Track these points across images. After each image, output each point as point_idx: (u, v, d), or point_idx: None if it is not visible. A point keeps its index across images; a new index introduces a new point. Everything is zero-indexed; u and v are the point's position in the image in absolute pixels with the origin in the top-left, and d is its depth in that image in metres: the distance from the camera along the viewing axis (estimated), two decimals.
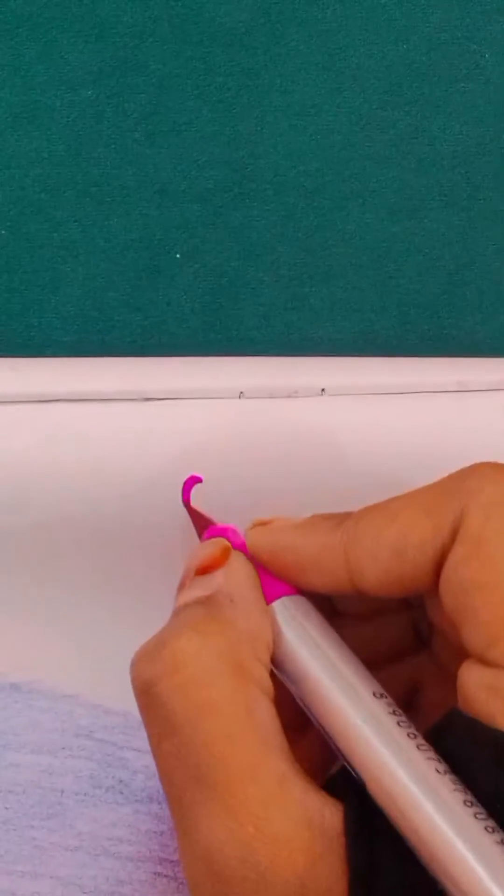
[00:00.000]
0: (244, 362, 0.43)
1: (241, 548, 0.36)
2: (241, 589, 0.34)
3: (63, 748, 0.40)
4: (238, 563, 0.35)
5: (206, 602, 0.33)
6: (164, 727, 0.30)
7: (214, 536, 0.37)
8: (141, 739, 0.40)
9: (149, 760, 0.40)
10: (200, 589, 0.34)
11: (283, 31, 0.44)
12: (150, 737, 0.31)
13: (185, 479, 0.38)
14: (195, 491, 0.38)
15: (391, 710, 0.32)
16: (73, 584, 0.39)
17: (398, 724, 0.31)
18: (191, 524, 0.38)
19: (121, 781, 0.40)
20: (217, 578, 0.34)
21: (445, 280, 0.46)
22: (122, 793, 0.40)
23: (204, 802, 0.29)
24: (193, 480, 0.39)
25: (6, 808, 0.40)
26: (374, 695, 0.32)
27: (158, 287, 0.44)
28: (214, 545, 0.35)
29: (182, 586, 0.35)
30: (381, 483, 0.40)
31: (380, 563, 0.32)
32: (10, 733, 0.40)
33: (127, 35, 0.43)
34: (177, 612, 0.33)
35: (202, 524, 0.38)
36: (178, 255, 0.44)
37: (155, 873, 0.40)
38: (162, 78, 0.44)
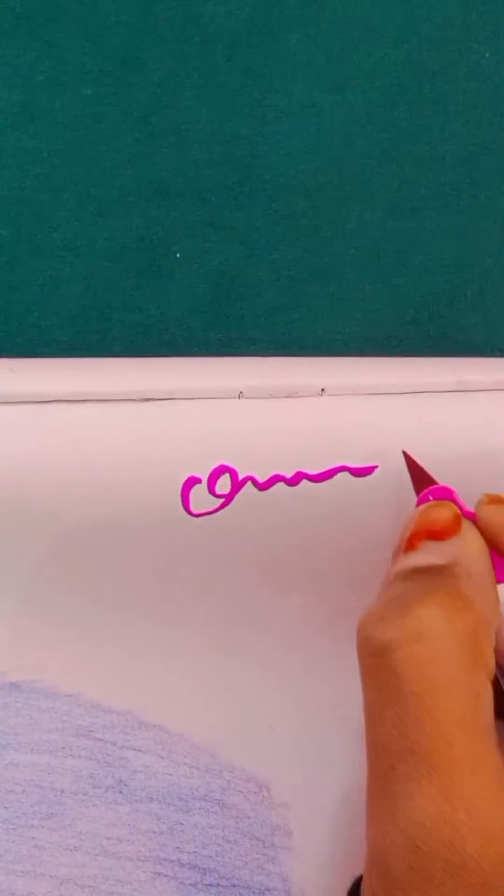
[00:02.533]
0: (243, 362, 0.43)
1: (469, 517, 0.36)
2: (477, 565, 0.34)
3: (62, 748, 0.40)
4: (472, 536, 0.35)
5: (446, 573, 0.33)
6: (392, 695, 0.30)
7: (436, 497, 0.37)
8: (141, 739, 0.40)
9: (148, 760, 0.40)
10: (434, 555, 0.34)
11: (283, 31, 0.44)
12: (371, 702, 0.31)
13: (184, 479, 0.39)
14: None
15: None
16: (73, 583, 0.39)
17: None
18: (192, 526, 0.38)
19: (120, 781, 0.40)
20: (452, 547, 0.34)
21: (445, 280, 0.46)
22: (121, 792, 0.40)
23: (419, 779, 0.29)
24: (193, 481, 0.39)
25: (5, 808, 0.40)
26: None
27: (158, 287, 0.44)
28: (446, 509, 0.35)
29: (409, 545, 0.34)
30: (381, 483, 0.40)
31: None
32: (9, 733, 0.40)
33: (127, 35, 0.43)
34: (409, 575, 0.33)
35: (421, 479, 0.38)
36: (178, 255, 0.44)
37: (154, 873, 0.40)
38: (162, 78, 0.44)
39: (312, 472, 0.40)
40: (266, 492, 0.39)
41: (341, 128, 0.45)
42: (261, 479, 0.39)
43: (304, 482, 0.40)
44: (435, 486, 0.37)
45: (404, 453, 0.39)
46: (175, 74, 0.44)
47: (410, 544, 0.34)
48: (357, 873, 0.42)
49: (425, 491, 0.37)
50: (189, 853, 0.41)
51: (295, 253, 0.45)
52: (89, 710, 0.40)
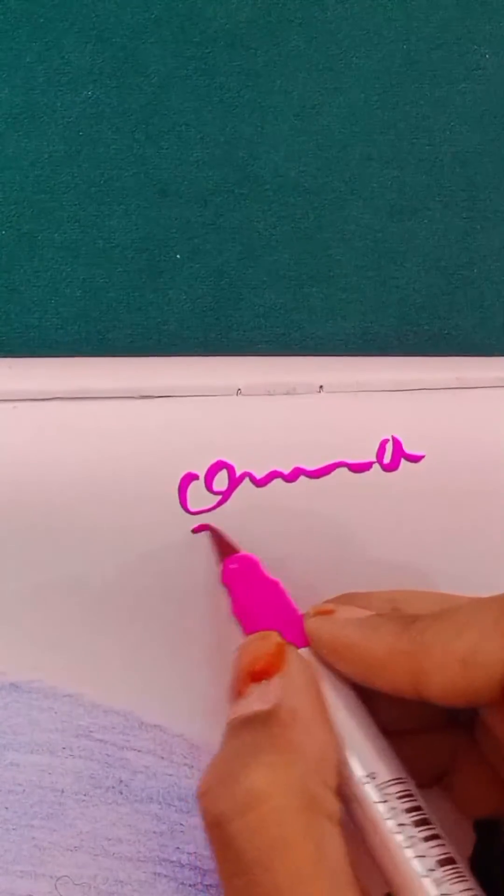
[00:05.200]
0: (242, 360, 0.43)
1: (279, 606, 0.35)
2: (302, 702, 0.33)
3: (63, 748, 0.40)
4: (296, 669, 0.34)
5: (269, 721, 0.32)
6: (234, 865, 0.30)
7: (241, 566, 0.37)
8: (141, 740, 0.40)
9: (149, 760, 0.40)
10: (258, 700, 0.33)
11: (283, 31, 0.44)
12: (220, 870, 0.31)
13: (181, 475, 0.39)
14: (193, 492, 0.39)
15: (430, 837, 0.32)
16: (72, 583, 0.39)
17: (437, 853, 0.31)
18: (190, 524, 0.38)
19: (121, 781, 0.40)
20: (275, 687, 0.33)
21: (445, 280, 0.46)
22: (121, 793, 0.40)
23: None
24: (190, 478, 0.39)
25: (6, 808, 0.40)
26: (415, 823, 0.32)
27: (158, 287, 0.44)
28: (267, 642, 0.35)
29: (236, 692, 0.34)
30: (380, 479, 0.40)
31: (447, 673, 0.32)
32: (9, 733, 0.40)
33: (127, 35, 0.44)
34: (237, 730, 0.32)
35: (223, 549, 0.38)
36: (178, 256, 0.44)
37: (155, 873, 0.40)
38: (162, 78, 0.44)
39: (310, 468, 0.40)
40: (264, 488, 0.39)
41: (341, 128, 0.45)
42: (258, 476, 0.39)
43: (302, 478, 0.40)
44: (235, 554, 0.37)
45: (209, 526, 0.38)
46: (175, 74, 0.44)
47: (237, 691, 0.34)
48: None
49: (228, 559, 0.37)
50: (189, 854, 0.41)
51: (295, 253, 0.45)
52: (89, 710, 0.40)
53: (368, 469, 0.40)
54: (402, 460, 0.41)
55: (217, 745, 0.41)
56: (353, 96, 0.45)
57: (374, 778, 0.32)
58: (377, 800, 0.32)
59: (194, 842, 0.41)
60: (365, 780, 0.32)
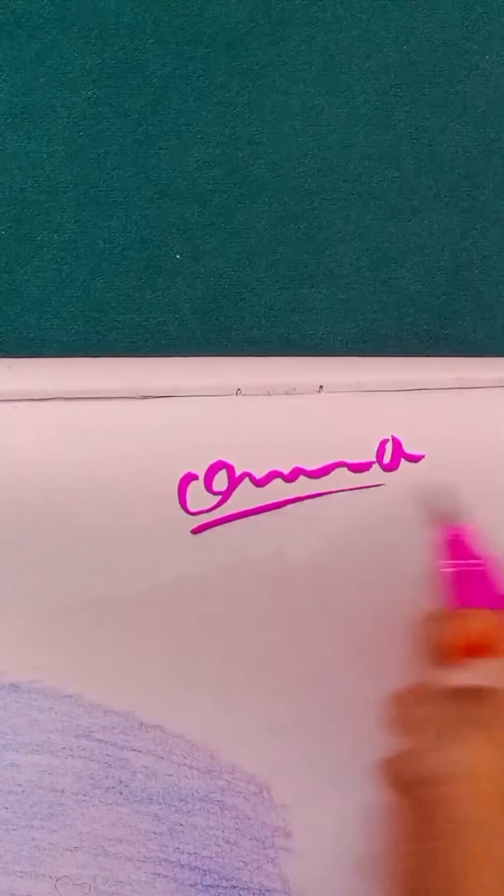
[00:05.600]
0: (242, 361, 0.43)
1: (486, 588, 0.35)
2: None
3: (63, 748, 0.40)
4: None
5: (492, 702, 0.32)
6: (425, 830, 0.30)
7: (455, 536, 0.36)
8: (141, 740, 0.40)
9: (148, 761, 0.40)
10: (481, 675, 0.33)
11: (283, 31, 0.44)
12: (400, 831, 0.31)
13: (180, 476, 0.39)
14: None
15: None
16: (72, 582, 0.39)
17: None
18: (189, 521, 0.38)
19: (121, 782, 0.40)
20: (496, 667, 0.33)
21: (445, 280, 0.46)
22: (121, 793, 0.40)
23: None
24: (189, 478, 0.39)
25: (6, 808, 0.40)
26: None
27: (158, 287, 0.44)
28: (489, 620, 0.35)
29: (449, 659, 0.34)
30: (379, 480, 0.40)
31: None
32: (9, 733, 0.40)
33: (127, 35, 0.43)
34: (453, 698, 0.33)
35: (448, 517, 0.38)
36: (178, 256, 0.44)
37: (154, 873, 0.40)
38: (162, 78, 0.44)
39: (310, 467, 0.40)
40: (263, 488, 0.39)
41: (341, 129, 0.45)
42: (258, 476, 0.39)
43: (302, 478, 0.40)
44: (454, 526, 0.37)
45: (427, 484, 0.38)
46: (175, 74, 0.44)
47: (454, 658, 0.34)
48: (357, 874, 0.42)
49: (454, 526, 0.37)
50: (189, 854, 0.41)
51: (294, 254, 0.45)
52: (89, 710, 0.40)
53: (368, 469, 0.40)
54: (402, 460, 0.41)
55: (217, 745, 0.41)
56: (353, 96, 0.45)
57: None
58: None
59: (194, 842, 0.41)
60: None
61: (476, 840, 0.30)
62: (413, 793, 0.31)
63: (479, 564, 0.37)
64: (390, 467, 0.41)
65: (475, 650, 0.34)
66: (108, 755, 0.40)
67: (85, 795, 0.40)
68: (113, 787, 0.40)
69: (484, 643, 0.34)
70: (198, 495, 0.39)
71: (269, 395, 0.40)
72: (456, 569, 0.37)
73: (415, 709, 0.34)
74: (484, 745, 0.31)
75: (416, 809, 0.31)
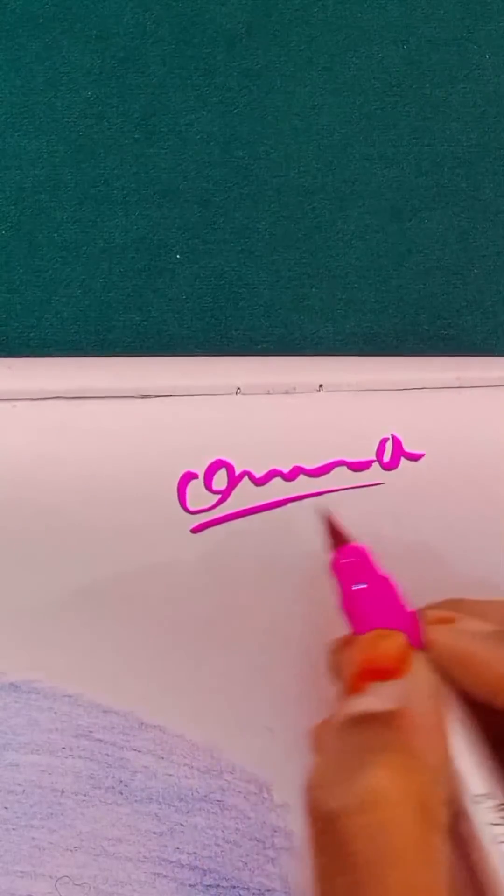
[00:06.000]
0: (242, 360, 0.43)
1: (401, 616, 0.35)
2: (426, 710, 0.32)
3: (63, 748, 0.40)
4: (422, 675, 0.33)
5: (395, 724, 0.32)
6: (342, 863, 0.29)
7: (348, 556, 0.36)
8: (141, 740, 0.40)
9: (148, 760, 0.40)
10: (382, 698, 0.32)
11: (283, 31, 0.44)
12: (322, 866, 0.30)
13: (180, 475, 0.39)
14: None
15: None
16: (71, 581, 0.39)
17: None
18: (188, 520, 0.38)
19: (120, 781, 0.40)
20: (399, 690, 0.33)
21: (445, 280, 0.46)
22: (121, 793, 0.40)
23: None
24: (189, 476, 0.39)
25: (5, 808, 0.40)
26: None
27: (158, 287, 0.44)
28: (391, 642, 0.34)
29: (353, 687, 0.33)
30: (379, 478, 0.40)
31: None
32: (9, 733, 0.40)
33: (127, 35, 0.44)
34: (355, 726, 0.32)
35: (336, 538, 0.37)
36: (178, 256, 0.44)
37: (154, 873, 0.40)
38: (162, 78, 0.44)
39: (310, 466, 0.40)
40: (263, 486, 0.39)
41: (341, 128, 0.45)
42: (258, 474, 0.39)
43: (302, 476, 0.40)
44: (348, 545, 0.36)
45: (320, 509, 0.37)
46: (175, 74, 0.44)
47: (356, 685, 0.33)
48: None
49: (339, 550, 0.36)
50: (189, 854, 0.40)
51: (295, 253, 0.45)
52: (89, 710, 0.40)
53: (368, 468, 0.40)
54: (402, 459, 0.41)
55: (217, 745, 0.41)
56: (353, 96, 0.45)
57: (490, 798, 0.32)
58: (492, 821, 0.31)
59: (194, 842, 0.41)
60: (480, 799, 0.32)
61: (396, 868, 0.29)
62: (325, 827, 0.30)
63: (379, 585, 0.36)
64: (390, 466, 0.41)
65: (379, 674, 0.33)
66: (107, 755, 0.40)
67: (85, 795, 0.40)
68: (113, 787, 0.40)
69: (390, 668, 0.33)
70: (197, 494, 0.39)
71: (268, 394, 0.40)
72: (355, 592, 0.36)
73: (324, 741, 0.33)
74: (389, 771, 0.30)
75: (331, 843, 0.30)
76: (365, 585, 0.36)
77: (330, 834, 0.30)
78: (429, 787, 0.30)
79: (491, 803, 0.32)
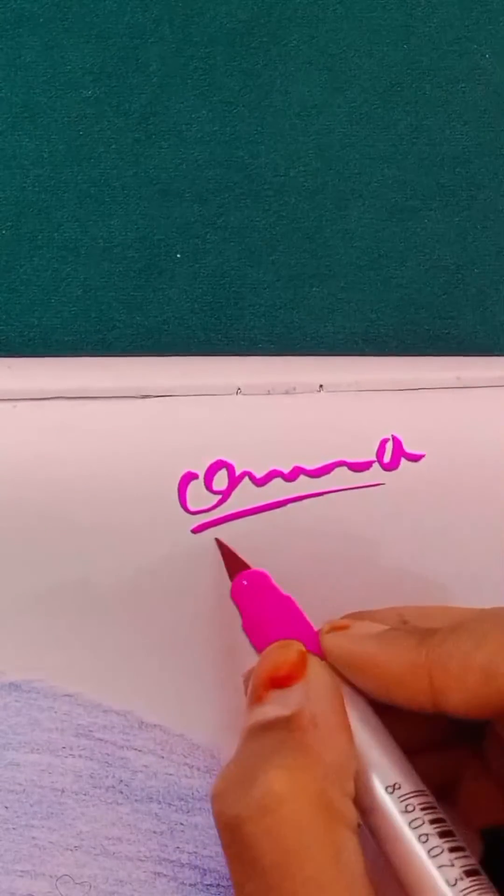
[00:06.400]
0: (242, 360, 0.43)
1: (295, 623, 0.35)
2: (324, 709, 0.33)
3: (63, 747, 0.40)
4: (319, 676, 0.34)
5: (289, 726, 0.32)
6: (249, 869, 0.29)
7: (250, 581, 0.36)
8: (141, 739, 0.40)
9: (149, 760, 0.40)
10: (279, 705, 0.33)
11: (283, 31, 0.44)
12: (233, 872, 0.30)
13: (181, 475, 0.39)
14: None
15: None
16: (72, 582, 0.39)
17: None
18: (188, 521, 0.38)
19: (121, 781, 0.40)
20: (296, 694, 0.33)
21: (445, 280, 0.46)
22: (121, 792, 0.40)
23: None
24: (189, 477, 0.39)
25: (5, 808, 0.40)
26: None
27: (158, 287, 0.44)
28: (288, 650, 0.34)
29: (255, 698, 0.33)
30: (380, 479, 0.40)
31: (467, 685, 0.31)
32: (9, 732, 0.40)
33: (127, 35, 0.44)
34: (255, 735, 0.32)
35: (234, 565, 0.37)
36: (178, 255, 0.44)
37: (155, 873, 0.40)
38: (162, 78, 0.44)
39: (310, 467, 0.40)
40: (263, 487, 0.39)
41: (341, 128, 0.45)
42: (258, 475, 0.39)
43: (302, 477, 0.40)
44: (247, 570, 0.37)
45: (217, 540, 0.38)
46: (175, 74, 0.44)
47: (257, 697, 0.33)
48: None
49: (239, 576, 0.37)
50: (189, 853, 0.41)
51: (295, 253, 0.45)
52: (89, 709, 0.40)
53: (368, 468, 0.40)
54: (403, 459, 0.41)
55: (218, 744, 0.41)
56: (353, 96, 0.45)
57: (397, 789, 0.32)
58: (401, 811, 0.32)
59: (194, 841, 0.41)
60: (388, 790, 0.32)
61: (303, 867, 0.29)
62: (231, 835, 0.30)
63: (281, 605, 0.37)
64: (391, 466, 0.41)
65: (278, 682, 0.33)
66: (108, 754, 0.40)
67: (85, 794, 0.40)
68: (113, 787, 0.40)
69: (285, 675, 0.33)
70: (198, 494, 0.39)
71: (268, 394, 0.40)
72: (259, 615, 0.37)
73: (235, 753, 0.33)
74: (284, 771, 0.30)
75: (238, 850, 0.30)
76: (278, 604, 0.37)
77: (235, 842, 0.30)
78: (329, 783, 0.30)
79: (400, 793, 0.32)
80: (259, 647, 0.36)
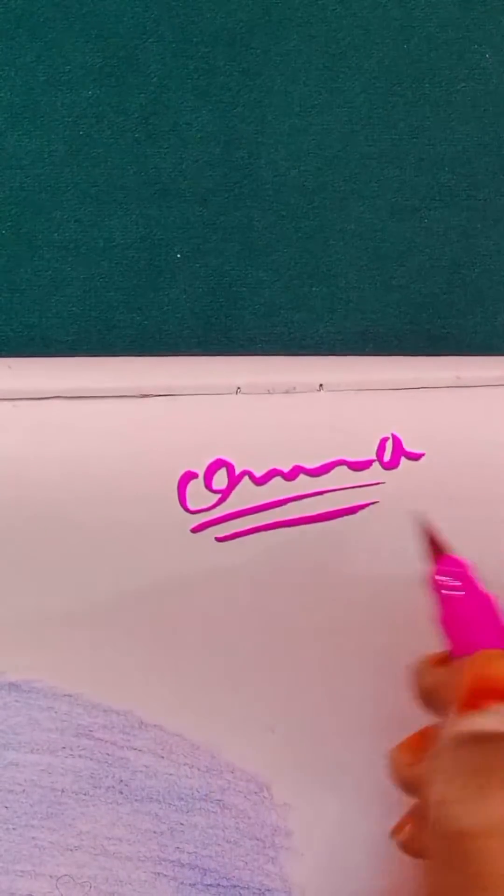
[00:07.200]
0: (242, 359, 0.43)
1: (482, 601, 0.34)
2: None
3: (63, 747, 0.40)
4: None
5: None
6: (473, 880, 0.30)
7: (449, 568, 0.35)
8: (141, 739, 0.40)
9: (148, 760, 0.40)
10: (500, 719, 0.32)
11: (283, 31, 0.44)
12: (444, 883, 0.31)
13: (180, 474, 0.39)
14: None
15: None
16: (71, 581, 0.39)
17: None
18: (188, 520, 0.38)
19: (120, 781, 0.40)
20: None
21: (445, 280, 0.46)
22: (121, 792, 0.40)
23: None
24: (189, 476, 0.39)
25: (6, 808, 0.40)
26: None
27: (158, 287, 0.44)
28: None
29: (471, 704, 0.33)
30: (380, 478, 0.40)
31: None
32: (9, 732, 0.40)
33: (127, 35, 0.44)
34: (480, 745, 0.32)
35: (435, 550, 0.36)
36: (178, 255, 0.44)
37: (155, 873, 0.40)
38: (162, 78, 0.44)
39: (310, 466, 0.40)
40: (263, 486, 0.39)
41: (341, 128, 0.45)
42: (258, 474, 0.39)
43: (302, 476, 0.40)
44: (447, 556, 0.35)
45: (425, 523, 0.36)
46: (175, 74, 0.44)
47: (474, 702, 0.33)
48: (357, 873, 0.42)
49: (441, 561, 0.35)
50: (189, 853, 0.41)
51: (295, 253, 0.45)
52: (89, 709, 0.40)
53: (368, 467, 0.40)
54: (403, 458, 0.41)
55: (217, 745, 0.41)
56: (353, 96, 0.45)
57: None
58: None
59: (194, 841, 0.41)
60: None
61: None
62: (454, 845, 0.30)
63: (481, 601, 0.35)
64: (391, 465, 0.41)
65: (493, 694, 0.33)
66: (107, 754, 0.40)
67: (85, 794, 0.40)
68: (113, 787, 0.40)
69: (501, 686, 0.33)
70: (197, 494, 0.39)
71: (268, 393, 0.40)
72: (458, 606, 0.35)
73: (441, 756, 0.32)
74: None
75: (458, 861, 0.30)
76: (478, 598, 0.35)
77: (460, 853, 0.30)
78: None
79: None
80: (456, 650, 0.35)
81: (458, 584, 0.35)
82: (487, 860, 0.29)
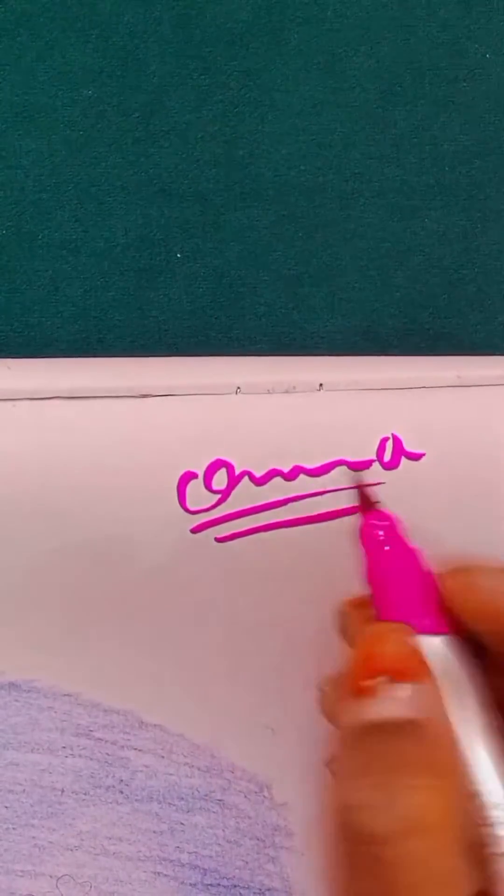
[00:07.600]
0: (241, 359, 0.43)
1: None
2: (442, 716, 0.30)
3: (63, 747, 0.40)
4: (433, 679, 0.31)
5: (420, 735, 0.29)
6: (382, 886, 0.28)
7: (379, 523, 0.34)
8: (141, 739, 0.40)
9: (149, 760, 0.40)
10: (400, 705, 0.30)
11: (283, 31, 0.44)
12: (356, 886, 0.29)
13: (180, 475, 0.39)
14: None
15: None
16: (70, 581, 0.39)
17: None
18: (188, 520, 0.38)
19: (121, 781, 0.40)
20: (422, 697, 0.30)
21: (445, 279, 0.46)
22: (121, 792, 0.40)
23: None
24: (189, 476, 0.39)
25: (6, 808, 0.40)
26: None
27: (158, 287, 0.44)
28: (405, 639, 0.32)
29: (362, 688, 0.30)
30: (380, 478, 0.40)
31: None
32: (9, 732, 0.40)
33: (127, 35, 0.44)
34: (380, 736, 0.30)
35: (365, 504, 0.35)
36: (178, 255, 0.44)
37: (155, 873, 0.40)
38: (162, 78, 0.44)
39: (310, 466, 0.40)
40: (263, 486, 0.39)
41: (341, 128, 0.45)
42: (258, 474, 0.39)
43: (302, 476, 0.40)
44: (379, 511, 0.35)
45: (356, 478, 0.36)
46: (175, 74, 0.44)
47: (364, 687, 0.30)
48: None
49: (368, 515, 0.35)
50: (189, 853, 0.41)
51: (295, 253, 0.45)
52: (89, 709, 0.40)
53: (368, 467, 0.40)
54: (403, 458, 0.41)
55: (218, 744, 0.41)
56: (354, 96, 0.45)
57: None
58: None
59: (194, 841, 0.41)
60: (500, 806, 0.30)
61: (436, 893, 0.28)
62: (363, 850, 0.28)
63: (406, 554, 0.34)
64: (391, 465, 0.41)
65: (398, 676, 0.30)
66: (108, 754, 0.40)
67: (85, 794, 0.40)
68: (113, 786, 0.40)
69: (409, 670, 0.31)
70: (197, 494, 0.39)
71: (268, 393, 0.40)
72: (383, 559, 0.34)
73: (347, 748, 0.30)
74: (433, 794, 0.28)
75: (368, 866, 0.28)
76: (404, 555, 0.35)
77: (372, 858, 0.28)
78: (461, 802, 0.29)
79: None
80: (378, 605, 0.34)
81: (384, 537, 0.35)
82: (405, 866, 0.28)
